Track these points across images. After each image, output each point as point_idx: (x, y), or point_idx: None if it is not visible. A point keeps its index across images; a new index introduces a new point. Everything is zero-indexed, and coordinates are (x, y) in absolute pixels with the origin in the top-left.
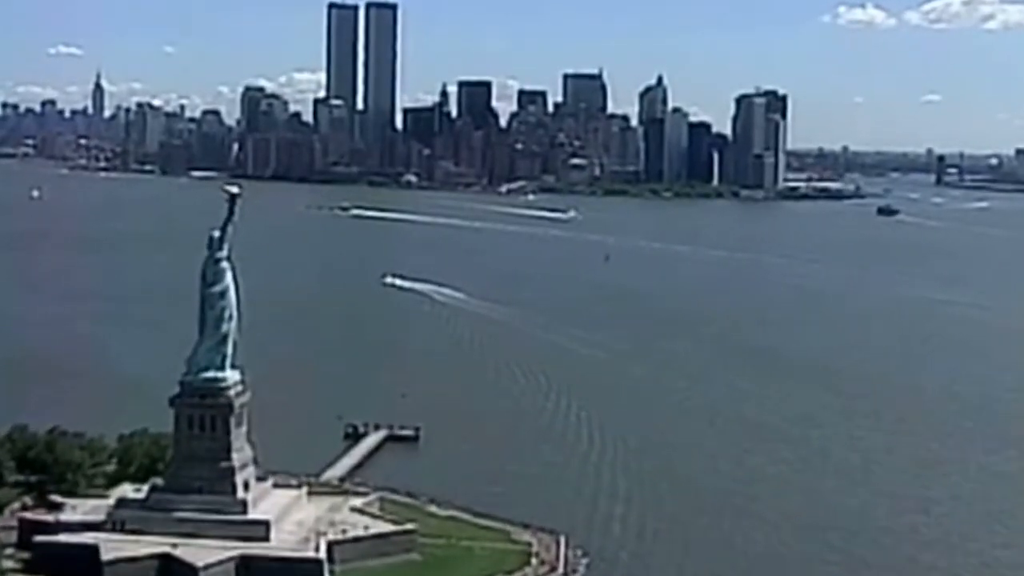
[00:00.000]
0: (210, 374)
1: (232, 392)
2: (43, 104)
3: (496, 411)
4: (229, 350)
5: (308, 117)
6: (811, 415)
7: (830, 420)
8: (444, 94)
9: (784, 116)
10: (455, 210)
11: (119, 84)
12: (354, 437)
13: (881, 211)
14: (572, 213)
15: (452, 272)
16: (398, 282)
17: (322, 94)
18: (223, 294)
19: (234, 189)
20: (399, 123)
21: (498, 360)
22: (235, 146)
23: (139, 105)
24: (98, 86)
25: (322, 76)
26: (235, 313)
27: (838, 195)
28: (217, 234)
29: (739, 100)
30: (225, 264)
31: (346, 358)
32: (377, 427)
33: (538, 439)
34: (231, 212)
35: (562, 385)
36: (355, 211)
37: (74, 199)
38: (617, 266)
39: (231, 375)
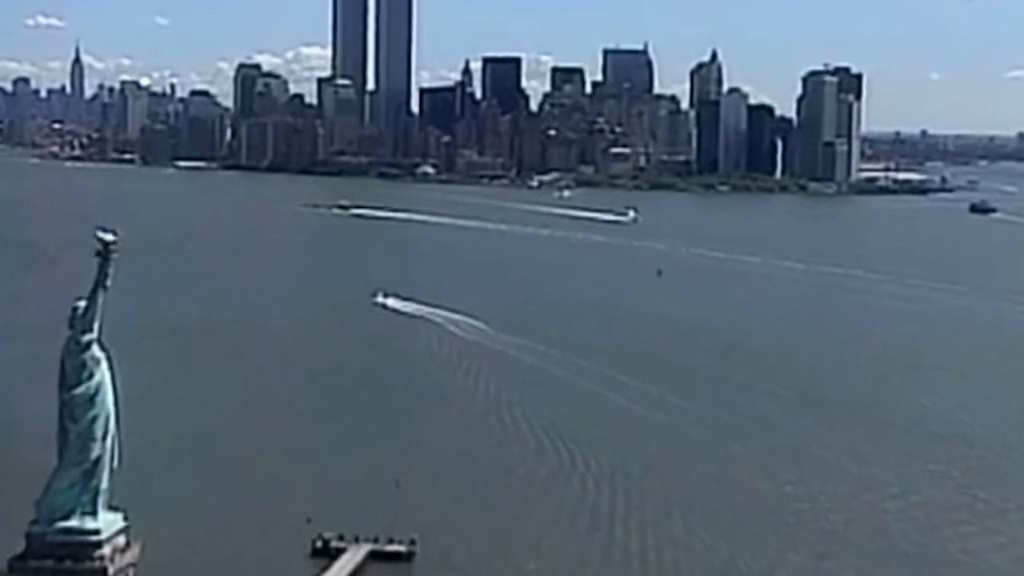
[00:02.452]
0: (73, 522)
1: (108, 550)
2: (15, 82)
3: (524, 512)
4: (103, 484)
5: (312, 99)
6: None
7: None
8: (467, 72)
9: (859, 97)
10: (477, 209)
11: (106, 60)
12: (325, 553)
13: (975, 208)
14: (632, 215)
15: (468, 291)
16: (391, 302)
17: (329, 72)
18: (92, 398)
19: (108, 236)
20: (415, 106)
21: (526, 427)
22: (228, 132)
23: (123, 84)
24: (77, 62)
25: (329, 52)
26: (112, 427)
27: (921, 188)
28: (82, 306)
29: (807, 79)
30: (96, 352)
31: (317, 423)
32: (357, 539)
33: (582, 559)
34: (103, 272)
35: (612, 467)
36: (356, 210)
37: (30, 196)
38: (672, 283)
39: (107, 522)
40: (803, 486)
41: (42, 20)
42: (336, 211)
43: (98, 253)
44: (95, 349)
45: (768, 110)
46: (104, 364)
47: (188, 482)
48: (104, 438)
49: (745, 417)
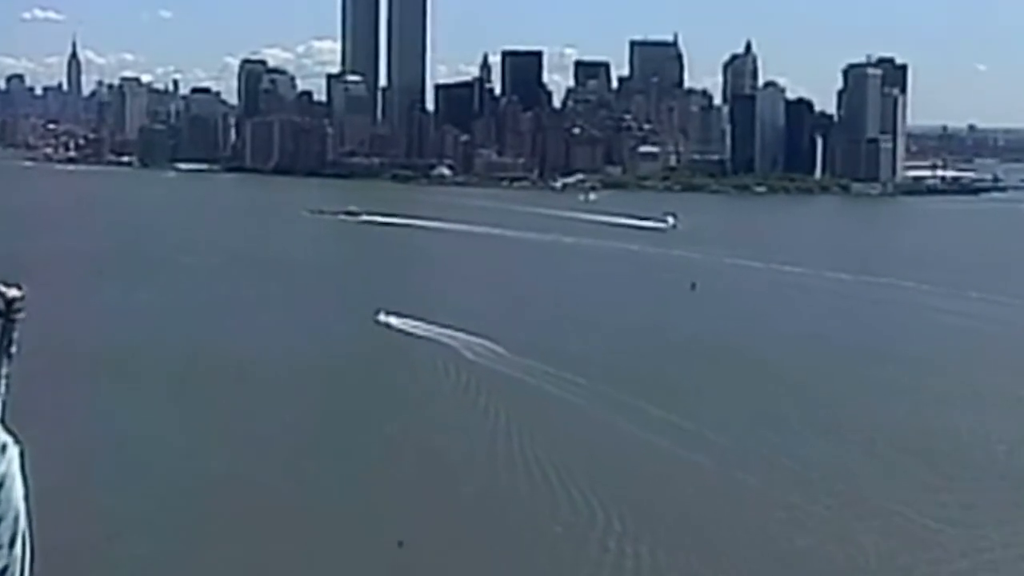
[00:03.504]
0: None
1: None
2: (8, 79)
3: None
4: None
5: (321, 96)
6: None
7: None
8: (485, 66)
9: (904, 90)
10: (495, 214)
11: (107, 55)
12: None
13: None
14: (671, 221)
15: (484, 308)
16: (395, 321)
17: (339, 68)
18: None
19: (12, 292)
20: (430, 103)
21: (546, 474)
22: (232, 132)
23: (123, 80)
24: (74, 57)
25: (339, 45)
26: (22, 529)
27: (972, 188)
28: None
29: (848, 71)
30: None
31: (309, 474)
32: None
33: None
34: (5, 337)
35: (644, 522)
36: (365, 216)
37: (16, 203)
38: (707, 297)
39: None
40: (885, 555)
41: (39, 13)
42: (343, 218)
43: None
44: None
45: (807, 105)
46: (12, 451)
47: (164, 544)
48: (11, 544)
49: (795, 460)
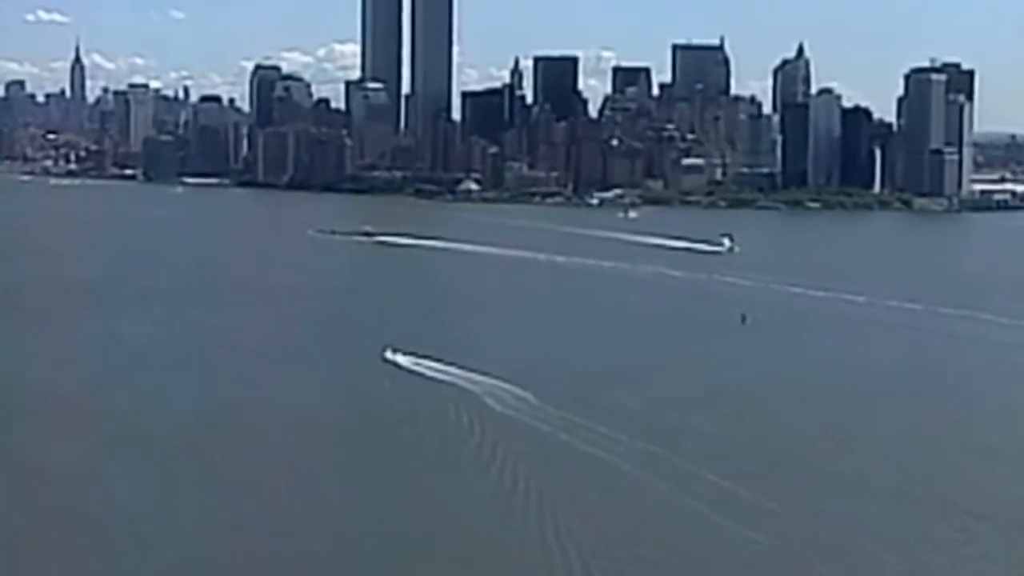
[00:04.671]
0: None
1: None
2: (8, 86)
3: None
4: None
5: (340, 104)
6: None
7: None
8: (516, 72)
9: (970, 97)
10: (525, 234)
11: (116, 60)
12: None
13: None
14: (728, 243)
15: (511, 345)
16: (404, 361)
17: (359, 74)
18: None
19: None
20: (456, 112)
21: (583, 559)
22: (244, 143)
23: (131, 87)
24: (78, 61)
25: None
26: None
27: None
28: None
29: (910, 76)
30: None
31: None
32: None
33: None
34: None
35: None
36: (381, 237)
37: (6, 224)
38: (759, 333)
39: None
40: None
41: (43, 15)
42: (357, 239)
43: None
44: None
45: (865, 113)
46: None
47: None
48: None
49: (868, 537)
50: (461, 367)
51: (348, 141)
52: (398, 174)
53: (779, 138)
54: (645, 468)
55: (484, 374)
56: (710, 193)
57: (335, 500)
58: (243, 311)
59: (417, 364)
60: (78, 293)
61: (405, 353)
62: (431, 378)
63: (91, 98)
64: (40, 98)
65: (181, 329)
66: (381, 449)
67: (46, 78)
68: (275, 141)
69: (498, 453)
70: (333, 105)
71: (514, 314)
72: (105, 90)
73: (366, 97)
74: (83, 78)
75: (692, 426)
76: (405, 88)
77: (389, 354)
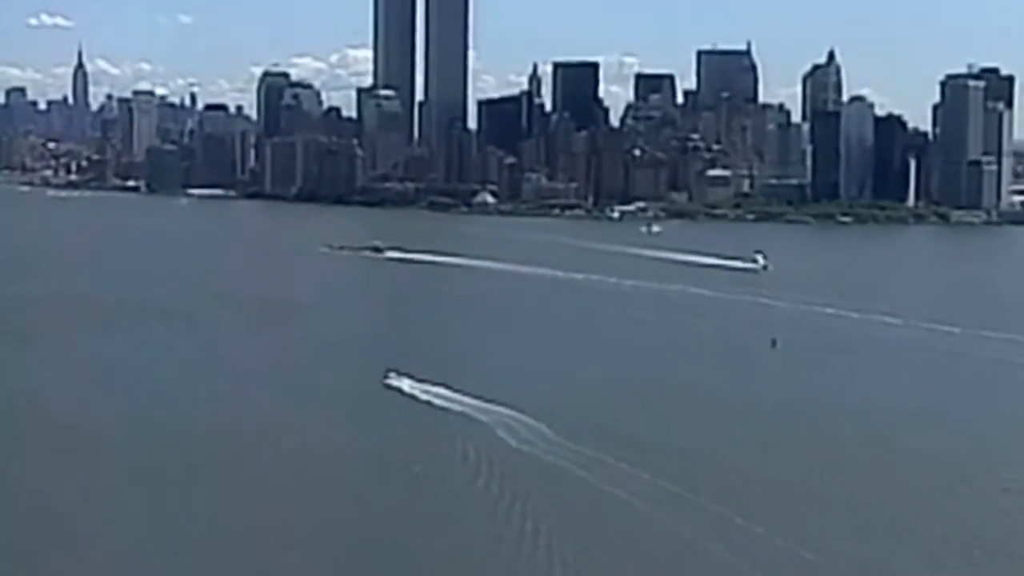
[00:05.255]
0: None
1: None
2: (8, 93)
3: None
4: None
5: (351, 111)
6: None
7: None
8: (535, 79)
9: (1010, 105)
10: (543, 250)
11: (122, 65)
12: None
13: None
14: (761, 261)
15: (525, 371)
16: (408, 386)
17: (371, 81)
18: None
19: None
20: (472, 120)
21: None
22: (251, 153)
23: (135, 93)
24: (80, 67)
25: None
26: None
27: None
28: None
29: (946, 83)
30: None
31: None
32: None
33: None
34: None
35: None
36: (391, 253)
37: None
38: (791, 358)
39: None
40: None
41: (46, 19)
42: (367, 254)
43: None
44: None
45: (899, 122)
46: None
47: None
48: None
49: None
50: (470, 394)
51: (359, 151)
52: (411, 186)
53: (809, 148)
54: (668, 511)
55: (495, 402)
56: (737, 206)
57: (325, 556)
58: (243, 331)
59: (422, 390)
60: (74, 313)
61: (409, 378)
62: (437, 406)
63: (95, 105)
64: (42, 105)
65: (176, 350)
66: (377, 494)
67: (49, 84)
68: (283, 151)
69: (508, 494)
70: (344, 113)
71: (528, 336)
72: (109, 97)
73: (378, 105)
74: (86, 84)
75: (719, 462)
76: (419, 95)
77: (392, 379)
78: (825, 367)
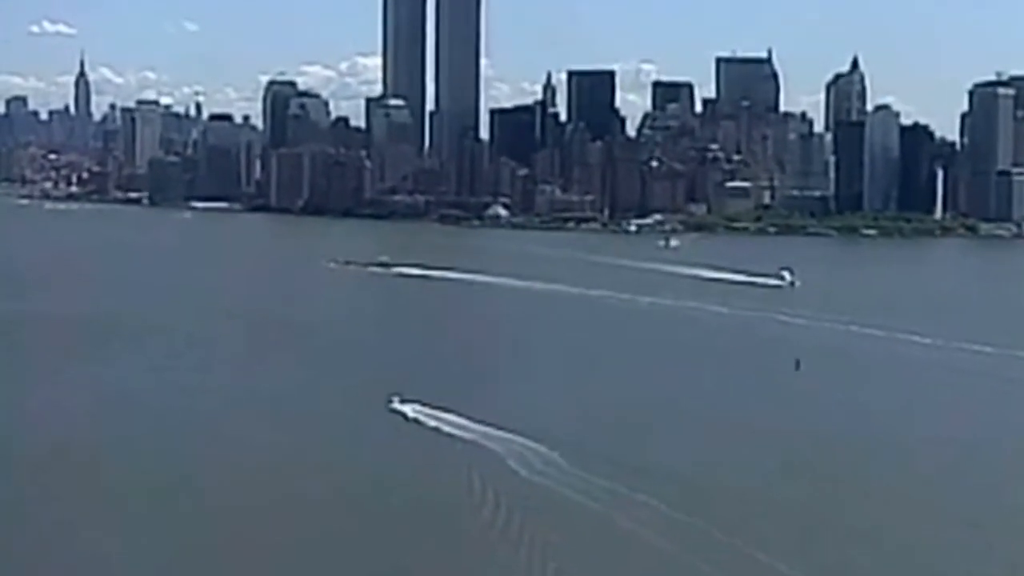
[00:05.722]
0: None
1: None
2: (8, 102)
3: None
4: None
5: (360, 121)
6: None
7: None
8: (549, 88)
9: None
10: (557, 265)
11: (126, 74)
12: None
13: None
14: (788, 277)
15: (535, 394)
16: (413, 411)
17: (380, 90)
18: None
19: None
20: (484, 130)
21: None
22: (257, 165)
23: (139, 103)
24: (83, 76)
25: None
26: None
27: None
28: None
29: (974, 91)
30: None
31: None
32: None
33: None
34: None
35: None
36: (399, 268)
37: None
38: (815, 381)
39: None
40: None
41: (48, 26)
42: (374, 270)
43: None
44: None
45: (925, 131)
46: None
47: None
48: None
49: None
50: (479, 420)
51: (368, 163)
52: (420, 198)
53: (832, 159)
54: (687, 547)
55: (505, 429)
56: (758, 219)
57: None
58: (244, 351)
59: (428, 416)
60: (65, 332)
61: (415, 402)
62: (444, 433)
63: (97, 115)
64: (43, 115)
65: (175, 373)
66: (377, 530)
67: (52, 93)
68: (289, 163)
69: (517, 528)
70: (353, 123)
71: (541, 357)
72: (112, 107)
73: (387, 115)
74: (88, 94)
75: (741, 494)
76: (430, 104)
77: (397, 404)
78: (851, 391)
